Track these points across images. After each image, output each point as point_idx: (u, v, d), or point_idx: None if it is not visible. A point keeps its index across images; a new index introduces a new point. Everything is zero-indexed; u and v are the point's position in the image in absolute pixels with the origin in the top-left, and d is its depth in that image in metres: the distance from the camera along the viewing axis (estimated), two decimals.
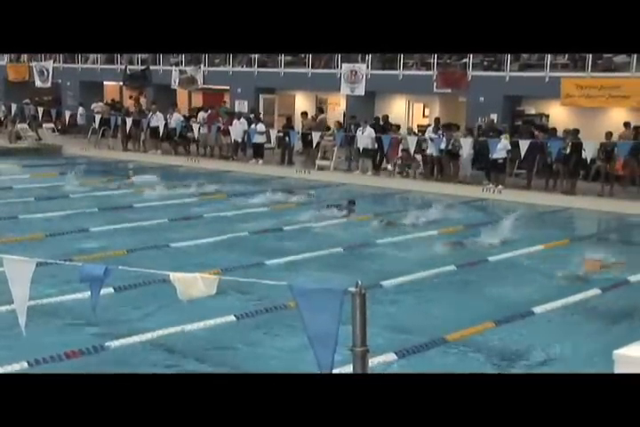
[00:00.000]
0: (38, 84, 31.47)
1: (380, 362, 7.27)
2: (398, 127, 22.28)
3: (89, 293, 4.51)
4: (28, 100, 30.69)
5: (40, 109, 29.19)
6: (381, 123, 22.58)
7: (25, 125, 29.23)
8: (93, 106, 29.00)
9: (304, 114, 24.76)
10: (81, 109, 29.26)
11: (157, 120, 25.24)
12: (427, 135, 20.95)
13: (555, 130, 19.96)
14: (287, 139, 23.21)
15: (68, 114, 29.08)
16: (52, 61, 31.07)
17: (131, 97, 31.38)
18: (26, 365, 6.89)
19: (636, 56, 19.97)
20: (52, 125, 30.62)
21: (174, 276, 4.22)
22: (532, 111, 23.08)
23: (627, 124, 19.56)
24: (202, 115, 25.82)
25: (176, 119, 25.21)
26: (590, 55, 20.48)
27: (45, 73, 31.01)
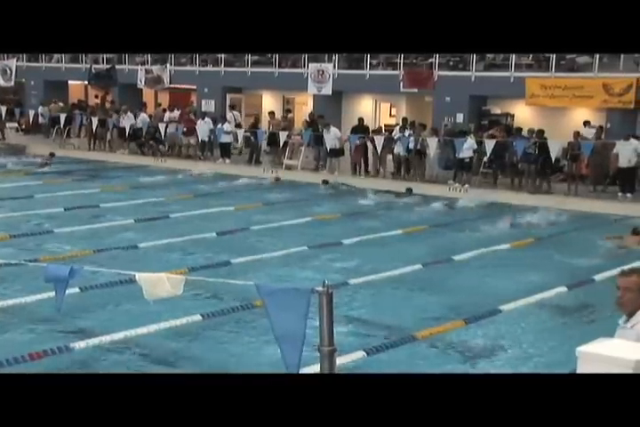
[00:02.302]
0: (1, 82, 31.07)
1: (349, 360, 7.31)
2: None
3: (54, 293, 4.47)
4: None
5: (3, 108, 28.83)
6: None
7: None
8: (41, 109, 28.65)
9: (271, 113, 24.74)
10: (41, 109, 28.95)
11: (128, 121, 25.03)
12: (394, 135, 21.04)
13: (520, 129, 20.15)
14: (253, 139, 23.15)
15: (31, 113, 28.78)
16: (15, 60, 30.71)
17: (97, 96, 31.12)
18: None
19: (598, 57, 20.27)
20: (15, 125, 30.24)
21: (140, 276, 4.20)
22: (498, 111, 23.29)
23: (586, 123, 19.86)
24: (168, 114, 25.66)
25: (143, 119, 25.05)
26: (554, 56, 20.73)
27: (8, 72, 30.63)
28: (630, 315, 4.33)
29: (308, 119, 23.59)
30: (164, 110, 26.60)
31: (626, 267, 5.84)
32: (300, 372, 3.72)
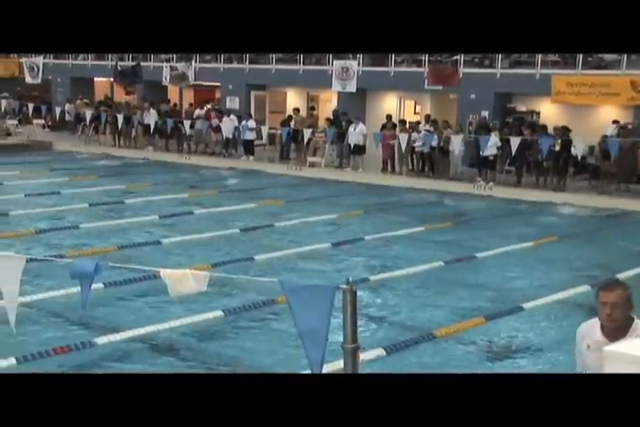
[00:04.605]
0: (28, 80, 31.31)
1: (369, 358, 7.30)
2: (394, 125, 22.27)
3: (79, 289, 4.49)
4: (6, 94, 30.55)
5: (30, 106, 29.09)
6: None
7: (15, 121, 29.13)
8: (67, 107, 28.83)
9: (296, 110, 24.75)
10: (67, 106, 29.16)
11: (151, 118, 25.18)
12: (421, 132, 20.97)
13: (545, 127, 19.99)
14: (284, 135, 23.15)
15: (58, 110, 29.00)
16: (42, 57, 30.93)
17: (127, 93, 31.28)
18: (14, 361, 6.87)
19: (625, 54, 20.04)
20: (42, 122, 30.50)
21: (165, 272, 4.21)
22: (523, 108, 23.12)
23: (615, 122, 19.64)
24: (197, 111, 25.76)
25: (152, 115, 25.18)
26: None
27: (36, 69, 30.85)
28: (618, 329, 4.13)
29: (331, 117, 23.62)
30: (191, 105, 26.69)
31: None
32: (323, 369, 3.72)
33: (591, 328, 4.28)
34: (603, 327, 4.18)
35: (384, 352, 7.62)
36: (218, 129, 24.15)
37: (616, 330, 4.12)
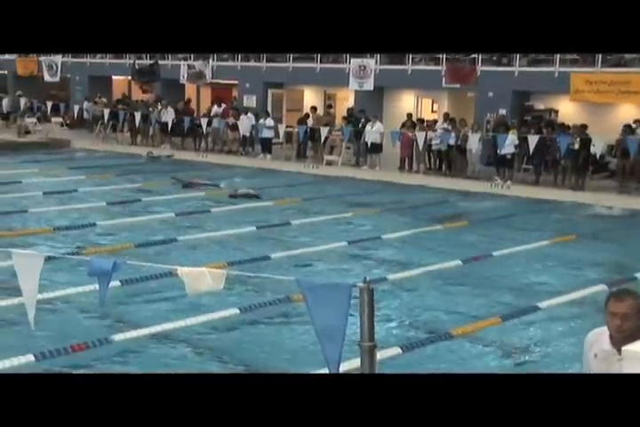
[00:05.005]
0: (47, 78, 31.51)
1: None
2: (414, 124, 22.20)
3: (97, 286, 4.51)
4: (20, 92, 30.75)
5: (49, 104, 29.27)
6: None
7: (34, 119, 29.32)
8: (86, 105, 28.98)
9: (313, 109, 24.76)
10: (86, 104, 29.32)
11: (168, 115, 25.28)
12: (437, 130, 20.93)
13: (564, 125, 19.88)
14: (302, 134, 23.17)
15: (76, 108, 29.16)
16: (60, 56, 31.10)
17: (144, 91, 31.40)
18: (32, 358, 6.92)
19: None
20: (60, 120, 30.69)
21: (182, 270, 4.22)
22: (541, 107, 23.00)
23: (637, 122, 19.48)
24: (215, 109, 25.84)
25: (170, 114, 25.27)
26: None
27: (54, 67, 31.04)
28: (627, 339, 3.88)
29: (345, 115, 23.65)
30: (213, 104, 26.85)
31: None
32: (341, 367, 3.71)
33: (599, 337, 4.18)
34: (611, 337, 4.09)
35: (400, 351, 7.60)
36: (235, 127, 24.20)
37: (625, 340, 3.91)
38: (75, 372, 7.13)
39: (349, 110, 24.18)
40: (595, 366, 4.06)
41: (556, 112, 22.57)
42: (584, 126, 18.88)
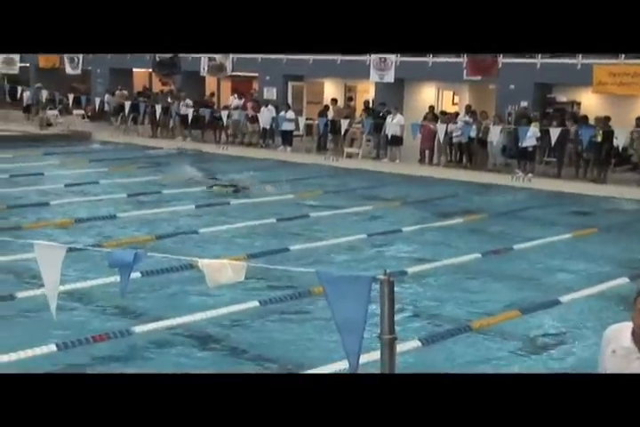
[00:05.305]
0: (69, 70, 31.69)
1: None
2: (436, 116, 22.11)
3: (118, 278, 4.54)
4: (40, 84, 30.92)
5: (70, 96, 29.43)
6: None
7: (55, 112, 29.50)
8: (107, 98, 29.09)
9: (333, 101, 24.72)
10: (107, 97, 29.44)
11: (187, 108, 25.36)
12: (459, 123, 20.83)
13: (586, 118, 19.71)
14: (321, 126, 23.15)
15: (97, 101, 29.30)
16: None
17: (163, 84, 31.50)
18: (54, 348, 6.98)
19: None
20: (81, 112, 30.85)
21: (203, 262, 4.23)
22: (564, 99, 22.81)
23: None
24: (236, 101, 25.86)
25: (188, 106, 25.32)
26: None
27: (76, 60, 31.19)
28: None
29: (364, 107, 23.60)
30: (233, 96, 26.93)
31: None
32: (360, 360, 3.71)
33: (619, 333, 4.06)
34: (634, 333, 3.97)
35: (420, 344, 7.59)
36: (255, 119, 24.21)
37: None
38: (95, 361, 7.20)
39: (366, 102, 24.13)
40: (612, 363, 3.97)
41: (579, 104, 22.38)
42: (607, 118, 18.71)
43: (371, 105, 24.37)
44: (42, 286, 4.73)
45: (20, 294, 8.61)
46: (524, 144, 18.98)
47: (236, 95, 26.95)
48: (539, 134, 19.02)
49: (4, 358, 6.65)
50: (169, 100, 26.46)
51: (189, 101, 25.54)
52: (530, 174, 18.98)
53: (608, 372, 3.98)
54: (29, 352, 6.83)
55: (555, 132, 18.69)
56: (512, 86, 22.12)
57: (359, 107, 25.17)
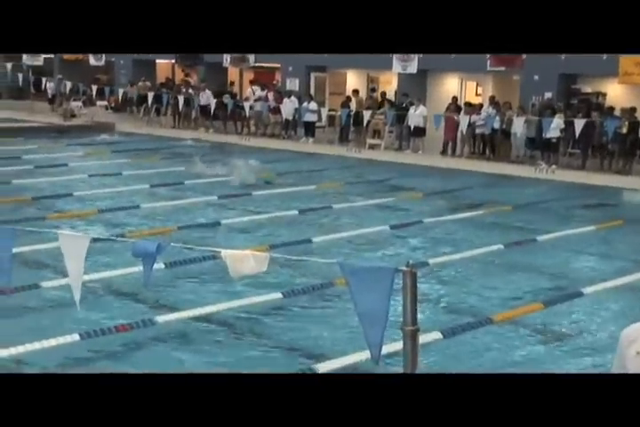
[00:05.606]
0: (92, 62, 31.84)
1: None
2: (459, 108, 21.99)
3: (141, 268, 4.57)
4: (60, 76, 31.09)
5: (94, 88, 29.60)
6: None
7: (79, 103, 29.67)
8: (127, 89, 29.18)
9: (355, 92, 24.65)
10: (129, 88, 29.57)
11: (207, 98, 25.42)
12: (482, 114, 20.71)
13: (612, 109, 19.52)
14: (344, 117, 23.12)
15: (120, 92, 29.42)
16: None
17: (186, 75, 31.56)
18: (77, 337, 7.03)
19: None
20: (105, 103, 31.01)
21: (226, 253, 4.24)
22: (588, 90, 22.60)
23: None
24: (258, 92, 25.86)
25: (208, 96, 25.35)
26: None
27: None
28: None
29: (380, 98, 23.58)
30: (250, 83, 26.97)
31: None
32: (382, 351, 3.71)
33: None
34: None
35: (441, 336, 7.57)
36: (277, 111, 24.20)
37: None
38: (118, 350, 7.26)
39: (383, 93, 24.10)
40: (634, 365, 3.78)
41: (604, 95, 22.15)
42: (633, 109, 18.52)
43: (388, 96, 24.29)
44: (66, 275, 4.77)
45: (45, 284, 8.68)
46: (548, 135, 18.84)
47: (253, 87, 26.94)
48: (563, 126, 18.87)
49: (29, 347, 6.71)
50: (189, 90, 26.52)
51: (209, 92, 25.59)
52: (553, 166, 18.84)
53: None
54: (53, 342, 6.88)
55: (579, 124, 18.53)
56: (536, 77, 21.94)
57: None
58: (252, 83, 27.98)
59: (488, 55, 22.44)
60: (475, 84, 25.96)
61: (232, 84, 28.40)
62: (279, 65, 28.79)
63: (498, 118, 20.08)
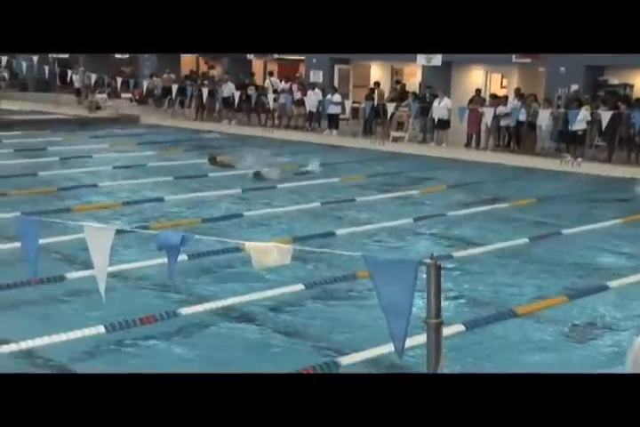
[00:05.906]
0: (117, 54, 31.97)
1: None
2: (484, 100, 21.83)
3: (165, 260, 4.58)
4: (83, 68, 31.25)
5: (119, 80, 29.74)
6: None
7: (104, 95, 29.83)
8: (148, 82, 29.28)
9: (376, 84, 24.59)
10: (155, 80, 29.64)
11: (229, 90, 25.45)
12: (508, 106, 20.56)
13: (639, 100, 19.29)
14: (368, 110, 23.08)
15: (145, 84, 29.54)
16: None
17: (211, 67, 31.61)
18: (103, 329, 7.08)
19: None
20: (129, 95, 31.15)
21: (249, 245, 4.24)
22: (615, 81, 22.34)
23: None
24: (282, 85, 25.85)
25: (230, 88, 25.37)
26: None
27: None
28: None
29: (400, 91, 23.49)
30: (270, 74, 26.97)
31: None
32: (406, 344, 3.69)
33: None
34: None
35: (464, 328, 7.54)
36: (301, 103, 24.19)
37: None
38: (142, 342, 7.30)
39: (403, 86, 24.03)
40: None
41: (632, 87, 21.89)
42: None
43: (413, 88, 24.19)
44: (91, 267, 4.80)
45: (70, 276, 8.74)
46: (574, 128, 18.66)
47: (271, 79, 26.97)
48: (589, 118, 18.69)
49: (55, 338, 6.77)
50: (215, 84, 26.57)
51: (231, 84, 25.61)
52: (579, 159, 18.67)
53: None
54: (78, 333, 6.94)
55: (606, 116, 18.33)
56: (562, 69, 21.73)
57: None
58: (270, 75, 28.03)
59: None
60: (500, 76, 25.76)
61: (253, 75, 28.38)
62: (303, 57, 28.75)
63: (523, 111, 19.91)
